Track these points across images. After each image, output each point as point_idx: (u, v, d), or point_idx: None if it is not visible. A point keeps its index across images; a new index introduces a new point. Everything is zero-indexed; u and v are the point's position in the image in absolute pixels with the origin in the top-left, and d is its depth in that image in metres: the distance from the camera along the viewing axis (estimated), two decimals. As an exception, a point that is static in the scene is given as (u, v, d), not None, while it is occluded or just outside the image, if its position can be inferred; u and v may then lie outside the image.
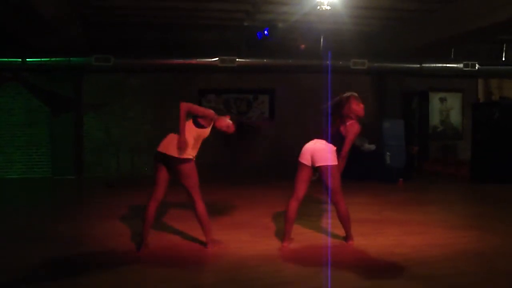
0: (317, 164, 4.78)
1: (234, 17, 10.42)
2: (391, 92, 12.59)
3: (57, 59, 10.31)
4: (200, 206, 4.75)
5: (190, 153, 4.69)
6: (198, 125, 4.75)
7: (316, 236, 5.45)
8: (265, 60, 11.15)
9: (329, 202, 5.01)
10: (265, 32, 9.97)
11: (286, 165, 11.47)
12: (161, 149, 4.70)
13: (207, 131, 4.82)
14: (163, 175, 4.76)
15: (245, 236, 5.42)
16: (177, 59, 10.93)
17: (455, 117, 13.46)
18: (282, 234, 5.04)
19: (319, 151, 4.81)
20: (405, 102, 13.03)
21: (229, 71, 11.52)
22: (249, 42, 10.70)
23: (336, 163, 4.80)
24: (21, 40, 9.64)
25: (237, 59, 10.89)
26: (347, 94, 4.94)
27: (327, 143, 4.86)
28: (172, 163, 4.66)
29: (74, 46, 10.36)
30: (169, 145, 4.67)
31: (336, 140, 4.85)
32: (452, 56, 11.89)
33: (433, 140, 13.18)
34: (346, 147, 4.79)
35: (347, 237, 5.06)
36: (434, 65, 11.81)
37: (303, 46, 11.26)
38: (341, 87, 11.92)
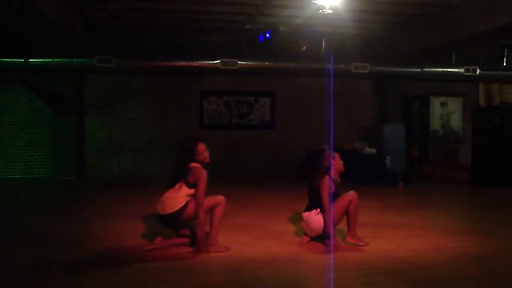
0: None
1: (237, 20, 10.46)
2: (392, 96, 12.64)
3: (59, 60, 10.35)
4: (218, 212, 4.79)
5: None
6: (189, 185, 4.72)
7: (317, 239, 5.46)
8: (266, 63, 11.19)
9: (331, 207, 5.07)
10: (267, 35, 10.02)
11: (287, 166, 11.58)
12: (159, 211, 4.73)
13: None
14: None
15: (246, 238, 5.43)
16: (179, 61, 10.98)
17: (456, 121, 13.49)
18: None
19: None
20: (406, 106, 13.07)
21: (231, 74, 11.56)
22: (251, 45, 10.73)
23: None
24: (24, 41, 9.69)
25: (239, 62, 10.93)
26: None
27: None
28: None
29: (77, 47, 10.40)
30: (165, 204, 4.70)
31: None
32: (453, 60, 11.92)
33: (433, 144, 13.21)
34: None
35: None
36: (435, 69, 11.84)
37: (304, 47, 11.29)
38: (343, 90, 12.20)
